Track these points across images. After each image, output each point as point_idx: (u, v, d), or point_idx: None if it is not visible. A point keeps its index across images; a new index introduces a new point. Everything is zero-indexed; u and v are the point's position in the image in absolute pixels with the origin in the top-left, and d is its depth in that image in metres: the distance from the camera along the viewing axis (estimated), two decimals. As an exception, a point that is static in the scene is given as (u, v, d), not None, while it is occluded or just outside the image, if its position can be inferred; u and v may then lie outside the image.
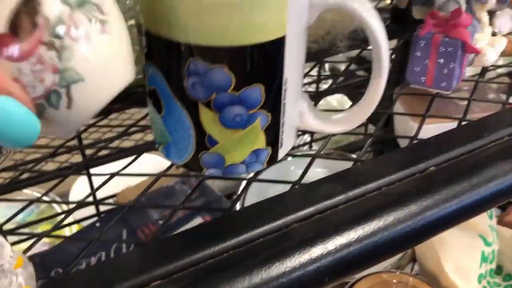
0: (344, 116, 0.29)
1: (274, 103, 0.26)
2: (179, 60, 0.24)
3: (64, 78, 0.20)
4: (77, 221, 0.60)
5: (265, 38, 0.24)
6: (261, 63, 0.25)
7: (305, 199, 0.28)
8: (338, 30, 0.38)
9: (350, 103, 1.00)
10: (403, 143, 0.72)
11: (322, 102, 0.76)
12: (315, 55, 0.40)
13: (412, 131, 0.68)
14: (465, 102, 0.36)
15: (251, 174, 0.32)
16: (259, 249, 0.24)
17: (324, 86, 0.81)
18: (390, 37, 0.47)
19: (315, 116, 0.29)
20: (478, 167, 0.30)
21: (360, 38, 0.39)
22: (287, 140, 0.29)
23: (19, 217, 0.38)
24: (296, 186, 0.29)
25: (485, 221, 0.64)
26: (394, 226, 0.26)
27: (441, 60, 0.34)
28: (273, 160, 0.29)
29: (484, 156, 0.31)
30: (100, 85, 0.21)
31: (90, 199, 0.54)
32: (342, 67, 0.70)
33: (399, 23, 0.44)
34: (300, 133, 1.07)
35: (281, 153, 0.29)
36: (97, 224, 0.57)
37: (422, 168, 0.30)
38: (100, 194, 0.48)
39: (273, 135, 0.28)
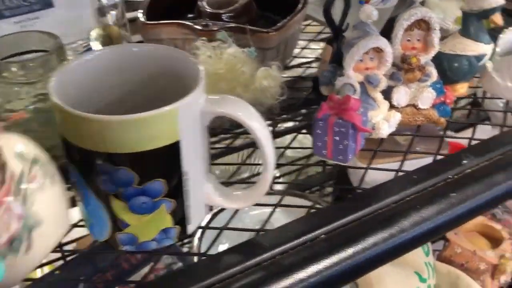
0: (242, 194, 0.34)
1: (176, 191, 0.31)
2: (91, 163, 0.29)
3: (27, 224, 0.25)
4: (48, 263, 0.64)
5: (160, 144, 0.29)
6: (159, 163, 0.30)
7: (208, 270, 0.33)
8: (257, 107, 0.44)
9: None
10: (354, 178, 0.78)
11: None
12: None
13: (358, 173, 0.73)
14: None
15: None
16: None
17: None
18: (312, 103, 0.53)
19: (220, 194, 0.35)
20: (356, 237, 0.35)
21: (277, 113, 0.45)
22: (196, 217, 0.34)
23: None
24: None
25: (421, 258, 0.69)
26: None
27: (337, 138, 0.39)
28: (183, 234, 0.34)
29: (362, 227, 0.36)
30: (54, 228, 0.27)
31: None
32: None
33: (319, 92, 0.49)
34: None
35: (191, 228, 0.34)
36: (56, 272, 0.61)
37: (311, 237, 0.35)
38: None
39: (179, 216, 0.33)
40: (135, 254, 0.61)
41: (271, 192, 0.71)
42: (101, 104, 0.33)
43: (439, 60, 0.49)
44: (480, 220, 0.77)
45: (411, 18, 0.42)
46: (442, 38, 0.50)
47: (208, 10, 0.53)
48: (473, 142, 0.45)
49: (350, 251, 0.34)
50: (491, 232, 0.76)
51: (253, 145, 0.83)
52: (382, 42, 0.40)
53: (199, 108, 0.30)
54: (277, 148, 0.81)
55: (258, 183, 0.33)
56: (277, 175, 1.09)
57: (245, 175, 1.18)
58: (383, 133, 0.42)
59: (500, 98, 0.57)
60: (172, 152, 0.30)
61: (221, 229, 0.37)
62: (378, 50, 0.40)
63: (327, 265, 0.33)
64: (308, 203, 0.60)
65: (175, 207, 0.32)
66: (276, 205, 0.40)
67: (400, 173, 0.42)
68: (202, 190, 0.34)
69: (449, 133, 0.59)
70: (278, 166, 1.03)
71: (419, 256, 0.69)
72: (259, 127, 0.31)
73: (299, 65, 0.60)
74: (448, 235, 0.75)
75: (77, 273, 0.60)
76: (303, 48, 0.62)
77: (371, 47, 0.39)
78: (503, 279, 0.72)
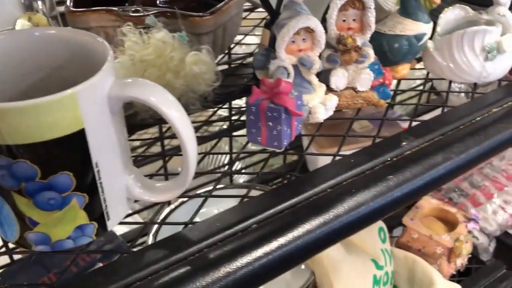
0: (164, 187, 0.32)
1: (88, 185, 0.29)
2: (-13, 156, 0.27)
3: None
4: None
5: (61, 133, 0.26)
6: (63, 154, 0.27)
7: (129, 267, 0.30)
8: (189, 95, 0.42)
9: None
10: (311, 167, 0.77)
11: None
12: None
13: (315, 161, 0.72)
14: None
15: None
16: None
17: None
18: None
19: (142, 186, 0.32)
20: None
21: (212, 100, 0.43)
22: (116, 212, 0.32)
23: None
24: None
25: (377, 245, 0.68)
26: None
27: (270, 123, 0.38)
28: (103, 230, 0.32)
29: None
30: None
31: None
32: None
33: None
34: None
35: (111, 224, 0.32)
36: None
37: (242, 227, 0.33)
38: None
39: (95, 211, 0.30)
40: (86, 256, 0.59)
41: (231, 186, 0.69)
42: (6, 95, 0.31)
43: (379, 41, 0.48)
44: (436, 204, 0.77)
45: (345, -3, 0.41)
46: (383, 19, 0.49)
47: (142, -4, 0.51)
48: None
49: (282, 240, 0.32)
50: (447, 216, 0.76)
51: (220, 134, 0.82)
52: (313, 22, 0.38)
53: (106, 93, 0.28)
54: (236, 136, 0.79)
55: (180, 175, 0.31)
56: (241, 166, 1.08)
57: (210, 167, 1.16)
58: (319, 117, 0.41)
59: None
60: (77, 142, 0.27)
61: (151, 224, 0.35)
62: (310, 31, 0.39)
63: (257, 256, 0.32)
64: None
65: (89, 202, 0.30)
66: (206, 196, 0.38)
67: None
68: (120, 183, 0.31)
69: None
70: (242, 158, 1.02)
71: (375, 243, 0.68)
72: (176, 115, 0.29)
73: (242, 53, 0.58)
74: (405, 221, 0.75)
75: (25, 276, 0.57)
76: (246, 35, 0.60)
77: (300, 27, 0.38)
78: (460, 261, 0.72)
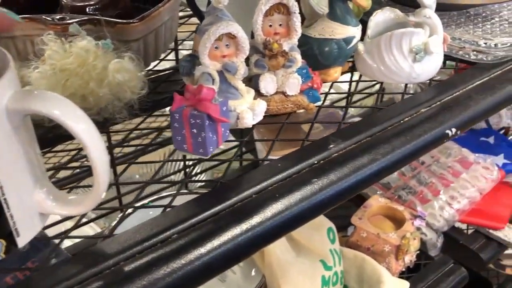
0: (77, 200, 0.31)
1: (-9, 201, 0.28)
2: None
3: None
4: None
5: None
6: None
7: (45, 283, 0.29)
8: (115, 103, 0.41)
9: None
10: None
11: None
12: (103, 124, 0.42)
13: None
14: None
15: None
16: None
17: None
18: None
19: (54, 200, 0.31)
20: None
21: (139, 108, 0.42)
22: (26, 228, 0.31)
23: None
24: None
25: (326, 245, 0.69)
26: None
27: (194, 130, 0.37)
28: (13, 248, 0.30)
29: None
30: None
31: None
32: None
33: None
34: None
35: (22, 241, 0.31)
36: None
37: (162, 238, 0.33)
38: None
39: (2, 228, 0.29)
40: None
41: (185, 192, 0.68)
42: None
43: (310, 45, 0.48)
44: (384, 203, 0.78)
45: (269, 2, 0.41)
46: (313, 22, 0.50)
47: (70, 4, 0.49)
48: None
49: (201, 249, 0.32)
50: (394, 214, 0.77)
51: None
52: (234, 28, 0.38)
53: (3, 105, 0.27)
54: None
55: (93, 188, 0.30)
56: (200, 169, 1.07)
57: (171, 171, 1.15)
58: (247, 122, 0.41)
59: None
60: (-27, 158, 0.26)
61: (61, 239, 0.34)
62: (232, 36, 0.39)
63: (175, 267, 0.31)
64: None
65: (-6, 219, 0.28)
66: (124, 207, 0.37)
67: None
68: (30, 198, 0.30)
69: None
70: (198, 162, 1.02)
71: (324, 244, 0.69)
72: (82, 129, 0.28)
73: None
74: (353, 221, 0.75)
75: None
76: (183, 40, 0.60)
77: (221, 33, 0.38)
78: (408, 258, 0.73)
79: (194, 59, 0.40)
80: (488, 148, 0.96)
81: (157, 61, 0.54)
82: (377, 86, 0.80)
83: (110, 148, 0.57)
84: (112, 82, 0.40)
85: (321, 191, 0.37)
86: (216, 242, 0.33)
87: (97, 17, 0.44)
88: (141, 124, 0.45)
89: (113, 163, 0.67)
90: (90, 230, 0.83)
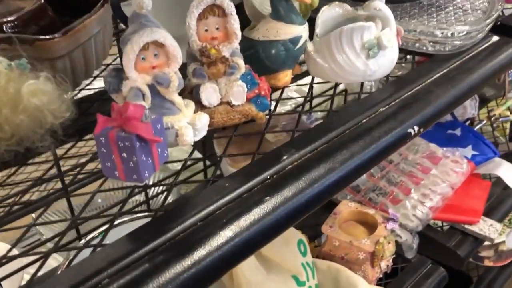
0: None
1: None
2: None
3: None
4: None
5: None
6: None
7: None
8: (36, 130, 0.36)
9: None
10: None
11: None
12: (24, 155, 0.37)
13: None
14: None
15: None
16: None
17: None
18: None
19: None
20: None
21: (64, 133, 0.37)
22: None
23: None
24: None
25: (297, 259, 0.65)
26: None
27: (124, 155, 0.33)
28: None
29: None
30: None
31: None
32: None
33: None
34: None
35: None
36: None
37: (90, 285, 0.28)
38: None
39: None
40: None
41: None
42: None
43: (255, 48, 0.44)
44: (354, 208, 0.75)
45: (201, 5, 0.37)
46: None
47: (-17, 22, 0.44)
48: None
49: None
50: (366, 218, 0.74)
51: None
52: (160, 35, 0.33)
53: None
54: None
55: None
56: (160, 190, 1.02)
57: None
58: (188, 140, 0.36)
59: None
60: None
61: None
62: (160, 45, 0.34)
63: None
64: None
65: None
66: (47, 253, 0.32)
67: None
68: None
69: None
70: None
71: (295, 258, 0.64)
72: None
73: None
74: (324, 230, 0.72)
75: None
76: (118, 55, 0.55)
77: (146, 41, 0.33)
78: (384, 264, 0.70)
79: (120, 73, 0.35)
80: (456, 140, 0.94)
81: (91, 79, 0.49)
82: (342, 86, 0.77)
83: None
84: (28, 106, 0.35)
85: (275, 211, 0.33)
86: (153, 284, 0.28)
87: (10, 34, 0.39)
88: (69, 150, 0.40)
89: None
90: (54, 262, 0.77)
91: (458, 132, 0.96)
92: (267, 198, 0.33)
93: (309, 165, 0.36)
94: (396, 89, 0.46)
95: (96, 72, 0.49)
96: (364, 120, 0.41)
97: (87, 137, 0.42)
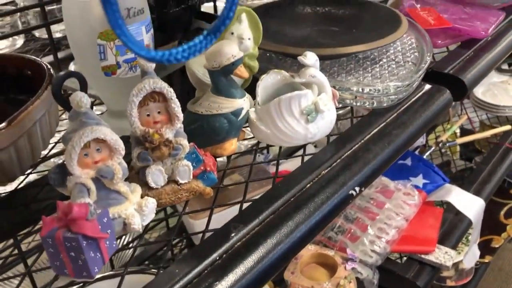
0: None
1: None
2: None
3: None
4: None
5: None
6: None
7: None
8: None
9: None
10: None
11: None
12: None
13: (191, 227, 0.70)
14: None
15: None
16: None
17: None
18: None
19: None
20: None
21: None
22: None
23: None
24: None
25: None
26: None
27: (72, 254, 0.33)
28: None
29: None
30: None
31: None
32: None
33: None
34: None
35: None
36: None
37: None
38: None
39: None
40: None
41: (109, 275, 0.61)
42: None
43: (199, 122, 0.46)
44: (314, 250, 0.76)
45: (140, 94, 0.38)
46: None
47: None
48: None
49: None
50: (326, 260, 0.76)
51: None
52: (100, 132, 0.34)
53: None
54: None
55: None
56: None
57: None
58: (136, 227, 0.37)
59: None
60: None
61: None
62: (101, 140, 0.35)
63: None
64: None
65: None
66: None
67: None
68: None
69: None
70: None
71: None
72: None
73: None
74: (286, 276, 0.73)
75: None
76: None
77: (86, 141, 0.34)
78: (348, 303, 0.71)
79: (64, 169, 0.36)
80: (407, 170, 0.98)
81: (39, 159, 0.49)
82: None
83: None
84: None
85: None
86: None
87: None
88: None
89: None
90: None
91: (408, 161, 1.00)
92: (216, 283, 0.34)
93: (256, 241, 0.38)
94: (337, 149, 0.48)
95: (43, 153, 0.49)
96: (308, 186, 0.43)
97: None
